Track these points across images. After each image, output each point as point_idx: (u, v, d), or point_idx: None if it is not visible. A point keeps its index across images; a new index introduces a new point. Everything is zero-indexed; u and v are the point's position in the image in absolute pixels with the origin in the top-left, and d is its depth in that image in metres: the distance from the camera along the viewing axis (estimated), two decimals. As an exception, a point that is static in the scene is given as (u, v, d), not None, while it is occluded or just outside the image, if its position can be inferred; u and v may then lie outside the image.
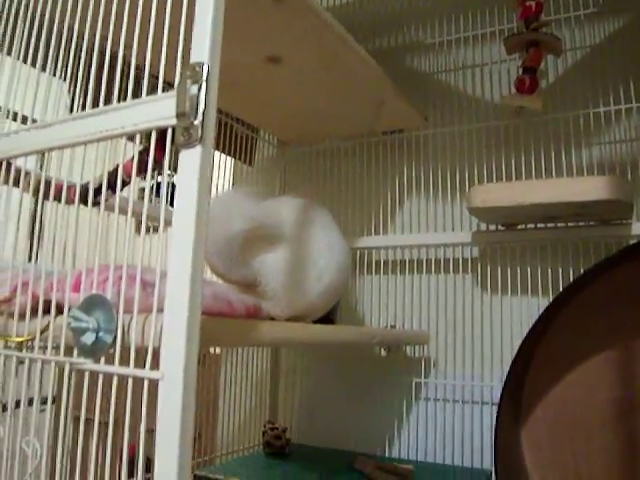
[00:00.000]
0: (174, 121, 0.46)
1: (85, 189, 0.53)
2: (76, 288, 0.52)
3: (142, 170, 0.50)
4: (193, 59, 0.46)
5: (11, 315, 0.56)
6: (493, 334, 1.07)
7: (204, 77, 0.45)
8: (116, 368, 0.44)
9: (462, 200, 1.13)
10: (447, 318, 1.12)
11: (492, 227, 1.07)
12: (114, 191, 0.51)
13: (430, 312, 1.14)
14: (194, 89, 0.45)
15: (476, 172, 1.10)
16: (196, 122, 0.44)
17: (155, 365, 0.44)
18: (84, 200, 0.53)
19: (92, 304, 0.48)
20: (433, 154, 1.18)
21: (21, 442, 0.48)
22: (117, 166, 0.54)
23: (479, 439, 1.05)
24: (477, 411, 1.06)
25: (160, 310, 0.45)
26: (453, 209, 1.15)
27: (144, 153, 0.48)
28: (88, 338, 0.46)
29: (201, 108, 0.45)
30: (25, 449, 0.47)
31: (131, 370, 0.44)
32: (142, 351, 0.46)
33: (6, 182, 0.59)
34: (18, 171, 0.59)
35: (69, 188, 0.54)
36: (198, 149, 0.44)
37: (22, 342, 0.54)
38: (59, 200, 0.54)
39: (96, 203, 0.53)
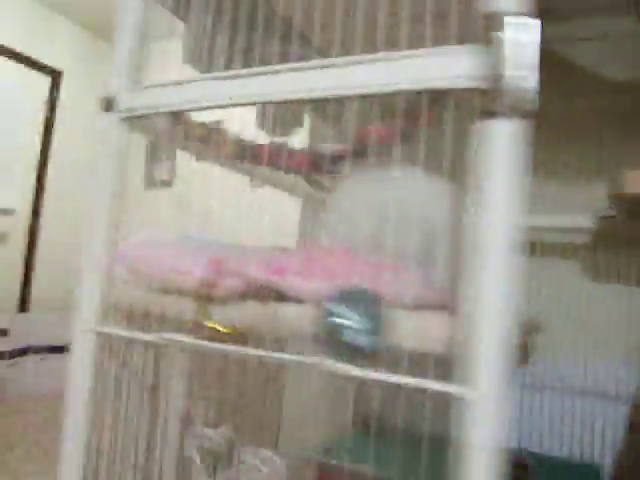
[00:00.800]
0: (482, 82, 0.37)
1: (319, 155, 0.45)
2: (307, 274, 0.44)
3: (401, 139, 0.42)
4: (508, 7, 0.37)
5: (211, 299, 0.48)
6: (601, 323, 1.01)
7: (532, 30, 0.36)
8: (414, 380, 0.36)
9: (576, 184, 1.05)
10: (558, 305, 1.06)
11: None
12: (360, 158, 0.43)
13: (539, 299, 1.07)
14: (518, 44, 0.36)
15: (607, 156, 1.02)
16: (516, 87, 0.36)
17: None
18: (318, 168, 0.45)
19: (352, 297, 0.40)
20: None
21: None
22: (363, 131, 0.46)
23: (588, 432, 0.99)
24: (588, 403, 1.01)
25: (447, 308, 0.38)
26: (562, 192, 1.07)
27: (409, 119, 0.40)
28: (356, 338, 0.39)
29: (523, 72, 0.36)
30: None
31: (431, 384, 0.36)
32: (418, 357, 0.38)
33: (199, 138, 0.50)
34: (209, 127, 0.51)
35: (295, 154, 0.45)
36: (518, 124, 0.36)
37: (228, 334, 0.47)
38: (277, 166, 0.45)
39: (333, 172, 0.45)
